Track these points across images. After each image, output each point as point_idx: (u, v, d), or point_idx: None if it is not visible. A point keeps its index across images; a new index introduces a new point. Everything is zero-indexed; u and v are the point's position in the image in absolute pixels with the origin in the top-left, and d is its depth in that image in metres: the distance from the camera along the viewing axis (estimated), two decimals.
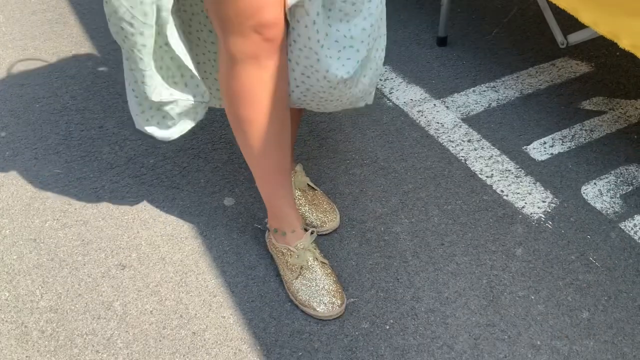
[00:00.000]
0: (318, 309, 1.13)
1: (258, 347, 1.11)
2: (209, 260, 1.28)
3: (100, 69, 1.85)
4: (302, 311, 1.16)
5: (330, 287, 1.15)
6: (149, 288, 1.22)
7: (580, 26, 1.82)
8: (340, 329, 1.14)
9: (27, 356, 1.10)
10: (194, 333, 1.14)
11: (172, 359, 1.10)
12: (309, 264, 1.17)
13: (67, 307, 1.19)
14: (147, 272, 1.26)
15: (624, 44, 1.19)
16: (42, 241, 1.33)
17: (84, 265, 1.27)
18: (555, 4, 1.36)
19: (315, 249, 1.19)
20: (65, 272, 1.26)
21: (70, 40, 1.99)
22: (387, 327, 1.14)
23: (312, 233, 1.20)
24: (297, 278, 1.17)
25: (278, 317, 1.16)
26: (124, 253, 1.30)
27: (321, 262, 1.18)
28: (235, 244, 1.31)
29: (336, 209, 1.34)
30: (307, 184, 1.34)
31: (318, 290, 1.15)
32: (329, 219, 1.31)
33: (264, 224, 1.35)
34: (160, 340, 1.13)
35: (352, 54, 1.01)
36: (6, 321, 1.17)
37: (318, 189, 1.36)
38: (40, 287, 1.23)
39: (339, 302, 1.14)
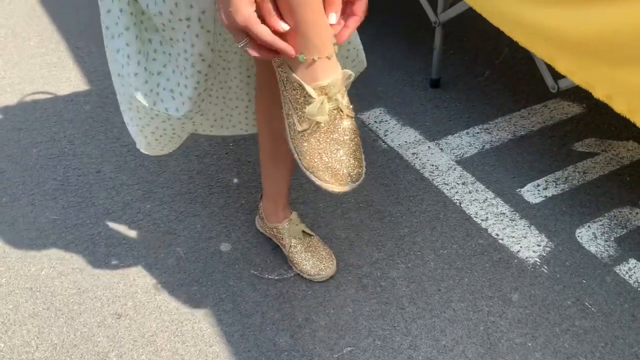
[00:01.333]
0: (326, 182, 0.91)
1: None
2: (205, 309, 1.27)
3: (98, 112, 1.87)
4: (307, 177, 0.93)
5: (349, 160, 0.91)
6: (144, 338, 1.22)
7: None
8: None
9: None
10: None
11: None
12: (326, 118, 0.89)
13: (62, 359, 1.18)
14: (143, 321, 1.25)
15: (599, 94, 1.21)
16: (39, 290, 1.32)
17: (80, 314, 1.27)
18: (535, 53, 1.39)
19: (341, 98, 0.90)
20: (61, 322, 1.26)
21: (68, 84, 2.01)
22: None
23: None
24: (307, 132, 0.91)
25: None
26: (120, 302, 1.29)
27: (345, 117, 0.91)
28: (232, 291, 1.31)
29: (332, 255, 1.35)
30: (303, 231, 1.34)
31: (332, 154, 0.91)
32: (325, 266, 1.32)
33: (259, 270, 1.35)
34: None
35: None
36: None
37: (314, 234, 1.37)
38: (35, 338, 1.22)
39: (351, 179, 0.92)
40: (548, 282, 1.31)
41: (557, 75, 1.43)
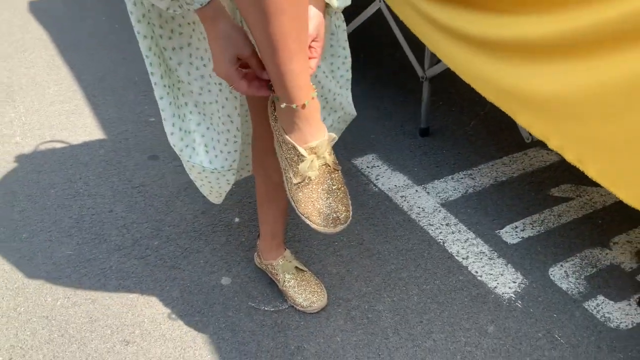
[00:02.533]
0: (318, 225, 1.04)
1: None
2: (206, 337, 1.39)
3: (111, 156, 2.03)
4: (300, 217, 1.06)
5: (338, 206, 1.05)
6: None
7: None
8: None
9: None
10: None
11: None
12: (315, 174, 1.04)
13: None
14: (149, 347, 1.37)
15: (552, 144, 1.35)
16: (54, 318, 1.44)
17: (91, 340, 1.39)
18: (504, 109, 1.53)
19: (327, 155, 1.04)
20: (74, 348, 1.37)
21: (84, 130, 2.18)
22: None
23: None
24: (301, 185, 1.04)
25: None
26: (128, 330, 1.41)
27: (333, 168, 1.06)
28: (231, 321, 1.43)
29: (324, 289, 1.47)
30: (296, 267, 1.47)
31: (323, 201, 1.04)
32: (316, 299, 1.44)
33: (257, 302, 1.47)
34: None
35: None
36: None
37: (307, 270, 1.49)
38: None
39: (340, 222, 1.05)
40: (521, 315, 1.43)
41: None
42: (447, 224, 1.71)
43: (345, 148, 2.03)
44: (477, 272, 1.55)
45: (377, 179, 1.89)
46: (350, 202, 1.07)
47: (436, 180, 1.88)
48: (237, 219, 1.74)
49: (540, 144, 2.02)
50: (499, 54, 1.47)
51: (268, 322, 1.42)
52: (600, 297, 1.47)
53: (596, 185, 1.83)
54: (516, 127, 2.06)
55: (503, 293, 1.49)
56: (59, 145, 2.10)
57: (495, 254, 1.60)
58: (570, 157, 1.31)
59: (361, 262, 1.59)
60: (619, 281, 1.52)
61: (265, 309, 1.46)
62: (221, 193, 1.29)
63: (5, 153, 2.05)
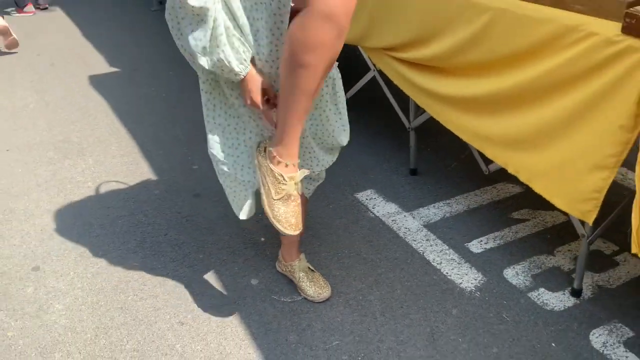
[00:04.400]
0: (285, 228, 1.53)
1: None
2: (240, 319, 1.86)
3: (164, 195, 2.56)
4: (271, 223, 1.54)
5: (298, 218, 1.54)
6: (199, 336, 1.80)
7: None
8: None
9: None
10: None
11: None
12: (293, 194, 1.53)
13: (144, 349, 1.77)
14: (198, 326, 1.84)
15: (510, 170, 1.84)
16: (127, 309, 1.93)
17: (155, 322, 1.87)
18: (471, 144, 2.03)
19: (299, 183, 1.55)
20: (143, 327, 1.85)
21: (141, 177, 2.72)
22: (360, 358, 1.69)
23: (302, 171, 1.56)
24: (280, 200, 1.52)
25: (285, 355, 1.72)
26: (182, 315, 1.89)
27: (298, 195, 1.55)
28: (258, 308, 1.90)
29: (328, 285, 1.94)
30: (308, 267, 1.95)
31: (292, 214, 1.53)
32: (323, 291, 1.91)
33: (278, 295, 1.94)
34: None
35: None
36: (103, 357, 1.75)
37: (316, 271, 1.97)
38: (126, 337, 1.82)
39: (299, 228, 1.54)
40: (479, 302, 1.87)
41: (488, 163, 2.07)
42: (427, 240, 2.17)
43: (350, 185, 2.53)
44: (447, 273, 2.00)
45: (373, 207, 2.38)
46: (301, 218, 1.58)
47: (420, 208, 2.36)
48: (263, 239, 2.23)
49: (507, 179, 2.50)
50: (462, 106, 1.99)
51: (286, 309, 1.89)
52: (542, 289, 1.91)
53: (549, 209, 2.29)
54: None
55: (466, 287, 1.94)
56: (122, 187, 2.64)
57: (463, 260, 2.06)
58: (523, 178, 1.81)
59: (358, 267, 2.05)
60: (558, 278, 1.96)
61: (284, 300, 1.93)
62: (241, 206, 1.78)
63: (80, 195, 2.60)
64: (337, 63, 1.67)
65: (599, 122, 1.57)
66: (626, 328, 1.76)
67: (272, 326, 1.83)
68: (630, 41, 1.44)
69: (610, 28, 1.49)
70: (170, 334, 1.82)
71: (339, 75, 1.74)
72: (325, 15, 1.30)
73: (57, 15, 5.51)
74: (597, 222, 1.71)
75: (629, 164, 1.82)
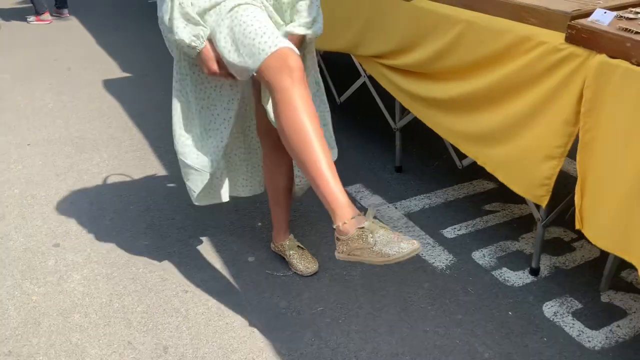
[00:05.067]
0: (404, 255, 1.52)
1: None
2: (238, 290, 2.11)
3: (171, 185, 2.82)
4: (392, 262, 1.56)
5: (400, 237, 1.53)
6: (201, 302, 2.05)
7: None
8: (319, 340, 1.94)
9: (131, 334, 1.93)
10: (227, 324, 1.95)
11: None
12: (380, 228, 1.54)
13: (153, 312, 2.02)
14: (200, 294, 2.09)
15: (480, 162, 2.10)
16: (138, 279, 2.18)
17: (163, 290, 2.12)
18: (449, 141, 2.29)
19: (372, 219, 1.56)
20: (152, 294, 2.10)
21: (152, 169, 2.99)
22: (340, 321, 1.94)
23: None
24: (375, 247, 1.51)
25: (271, 326, 1.97)
26: (186, 284, 2.14)
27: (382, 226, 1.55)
28: (254, 281, 2.15)
29: (316, 261, 2.19)
30: (298, 246, 2.20)
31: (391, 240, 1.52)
32: (311, 266, 2.16)
33: (271, 270, 2.19)
34: (210, 328, 1.94)
35: None
36: (116, 317, 2.00)
37: (305, 248, 2.22)
38: (137, 302, 2.07)
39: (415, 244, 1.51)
40: (448, 278, 2.12)
41: (461, 158, 2.33)
42: (406, 226, 2.43)
43: (341, 178, 2.79)
44: (422, 254, 2.25)
45: (361, 199, 2.64)
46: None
47: (403, 200, 2.62)
48: (259, 224, 2.49)
49: (483, 177, 2.75)
50: (440, 107, 2.25)
51: (278, 281, 2.14)
52: (504, 269, 2.16)
53: (518, 202, 2.54)
54: (468, 168, 2.81)
55: (438, 266, 2.18)
56: (133, 178, 2.91)
57: (437, 243, 2.31)
58: (489, 169, 2.07)
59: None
60: (520, 260, 2.21)
61: (277, 274, 2.18)
62: (195, 192, 1.92)
63: (95, 184, 2.86)
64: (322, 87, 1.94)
65: (548, 118, 1.83)
66: (575, 301, 2.01)
67: (265, 295, 2.08)
68: (572, 49, 1.70)
69: (557, 38, 1.75)
70: (175, 299, 2.07)
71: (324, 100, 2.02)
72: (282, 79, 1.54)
73: (73, 24, 5.82)
74: (552, 208, 1.97)
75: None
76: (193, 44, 1.67)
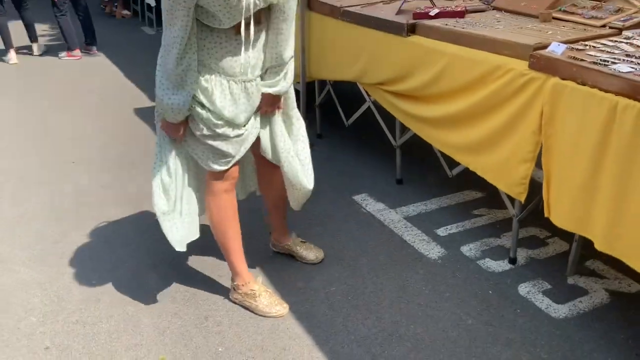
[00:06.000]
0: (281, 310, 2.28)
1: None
2: (265, 278, 2.52)
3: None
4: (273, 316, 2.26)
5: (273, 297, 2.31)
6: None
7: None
8: (327, 317, 2.34)
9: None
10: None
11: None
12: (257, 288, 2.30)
13: (195, 291, 2.42)
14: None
15: (472, 167, 2.52)
16: (188, 264, 2.59)
17: (202, 273, 2.52)
18: (443, 153, 2.72)
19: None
20: (202, 274, 2.51)
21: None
22: (349, 298, 2.34)
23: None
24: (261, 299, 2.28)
25: None
26: (223, 270, 2.55)
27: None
28: (276, 268, 2.55)
29: (321, 249, 2.59)
30: (301, 241, 2.61)
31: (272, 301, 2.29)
32: (319, 254, 2.57)
33: (291, 262, 2.60)
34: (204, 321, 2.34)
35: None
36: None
37: (307, 241, 2.63)
38: (180, 281, 2.48)
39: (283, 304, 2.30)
40: (439, 267, 2.52)
41: (452, 167, 2.76)
42: (405, 227, 2.84)
43: (348, 189, 3.22)
44: (418, 248, 2.66)
45: (366, 206, 3.06)
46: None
47: (402, 206, 3.04)
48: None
49: (472, 187, 3.17)
50: (434, 124, 2.69)
51: (296, 266, 2.55)
52: (487, 259, 2.57)
53: (502, 208, 2.96)
54: (460, 179, 3.23)
55: (431, 257, 2.59)
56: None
57: (431, 240, 2.72)
58: (479, 172, 2.50)
59: (352, 243, 2.72)
60: (501, 253, 2.61)
61: (294, 264, 2.59)
62: (178, 238, 2.25)
63: (137, 193, 3.29)
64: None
65: (520, 129, 2.26)
66: (545, 283, 2.40)
67: (285, 276, 2.48)
68: (533, 74, 2.15)
69: (522, 65, 2.20)
70: (213, 282, 2.48)
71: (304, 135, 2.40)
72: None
73: (101, 60, 6.35)
74: (524, 207, 2.39)
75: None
76: (182, 113, 2.03)
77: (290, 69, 2.18)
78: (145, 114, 4.55)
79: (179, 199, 2.26)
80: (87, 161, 3.74)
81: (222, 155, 2.14)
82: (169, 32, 1.92)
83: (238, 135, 2.12)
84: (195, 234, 2.33)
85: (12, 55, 6.27)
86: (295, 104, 2.34)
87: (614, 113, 1.86)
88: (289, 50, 2.12)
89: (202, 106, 2.04)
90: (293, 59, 2.18)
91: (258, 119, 2.20)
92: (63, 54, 6.48)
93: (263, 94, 2.15)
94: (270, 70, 2.13)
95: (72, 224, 2.97)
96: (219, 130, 2.07)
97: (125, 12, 8.63)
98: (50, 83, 5.48)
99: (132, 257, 2.67)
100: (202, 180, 2.34)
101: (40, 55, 6.55)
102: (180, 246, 2.24)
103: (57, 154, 3.85)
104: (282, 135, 2.27)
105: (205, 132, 2.08)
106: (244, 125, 2.13)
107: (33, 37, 6.57)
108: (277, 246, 2.67)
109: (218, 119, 2.05)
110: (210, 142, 2.10)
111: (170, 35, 1.92)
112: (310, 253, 2.58)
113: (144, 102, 4.88)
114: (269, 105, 2.19)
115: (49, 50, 6.65)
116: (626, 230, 1.90)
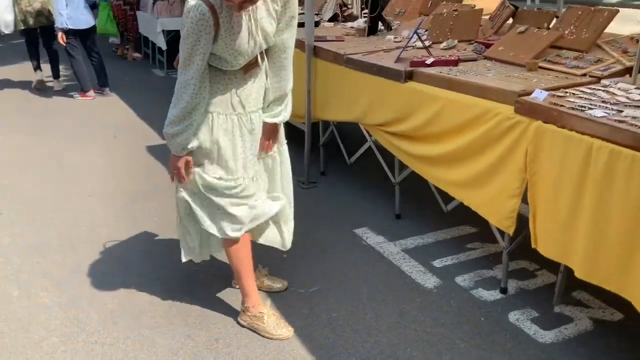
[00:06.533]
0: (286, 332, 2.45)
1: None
2: (274, 300, 2.69)
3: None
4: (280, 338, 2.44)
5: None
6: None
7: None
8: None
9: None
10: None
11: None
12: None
13: (206, 314, 2.59)
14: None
15: (465, 203, 2.72)
16: (202, 279, 2.77)
17: (216, 286, 2.69)
18: (440, 189, 2.92)
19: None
20: (201, 302, 2.68)
21: None
22: (350, 322, 2.50)
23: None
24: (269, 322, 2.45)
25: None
26: (225, 294, 2.72)
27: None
28: (284, 295, 2.72)
29: (285, 281, 2.78)
30: (265, 274, 2.78)
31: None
32: (283, 283, 2.75)
33: (297, 288, 2.77)
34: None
35: None
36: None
37: (269, 274, 2.81)
38: (190, 307, 2.64)
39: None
40: (435, 295, 2.69)
41: (447, 203, 2.96)
42: (403, 258, 3.02)
43: (350, 223, 3.41)
44: (415, 278, 2.84)
45: (367, 238, 3.24)
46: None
47: (401, 240, 3.22)
48: (285, 256, 3.08)
49: (466, 222, 3.36)
50: (430, 162, 2.91)
51: (302, 296, 2.71)
52: (480, 289, 2.74)
53: (494, 242, 3.14)
54: (453, 216, 3.41)
55: (427, 286, 2.77)
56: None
57: (428, 271, 2.90)
58: (473, 207, 2.70)
59: (353, 273, 2.89)
60: (493, 283, 2.78)
61: (300, 291, 2.75)
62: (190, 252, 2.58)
63: (149, 224, 3.47)
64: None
65: (508, 168, 2.47)
66: (534, 311, 2.57)
67: (290, 303, 2.65)
68: (519, 117, 2.37)
69: (509, 109, 2.42)
70: (220, 306, 2.65)
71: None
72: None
73: (114, 100, 6.63)
74: (514, 239, 2.59)
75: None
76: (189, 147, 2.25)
77: (290, 100, 2.44)
78: (156, 151, 4.78)
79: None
80: (101, 194, 3.94)
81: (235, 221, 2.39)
82: (186, 73, 2.15)
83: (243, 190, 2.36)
84: (205, 256, 2.62)
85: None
86: (284, 139, 2.56)
87: (590, 153, 2.07)
88: (290, 82, 2.39)
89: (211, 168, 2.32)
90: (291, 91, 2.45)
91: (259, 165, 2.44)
92: (77, 94, 6.76)
93: (265, 124, 2.38)
94: (273, 102, 2.39)
95: (88, 252, 3.15)
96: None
97: (137, 54, 8.98)
98: (65, 121, 5.74)
99: (146, 283, 2.85)
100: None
101: (58, 90, 6.88)
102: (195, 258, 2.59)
103: (74, 187, 4.06)
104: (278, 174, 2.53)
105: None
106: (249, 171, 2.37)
107: (56, 74, 6.95)
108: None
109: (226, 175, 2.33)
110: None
111: (187, 76, 2.15)
112: (276, 283, 2.76)
113: (155, 139, 5.11)
114: (271, 133, 2.41)
115: (66, 89, 6.94)
116: (602, 259, 2.09)
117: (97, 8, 10.85)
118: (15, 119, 5.85)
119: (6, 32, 6.93)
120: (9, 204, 3.81)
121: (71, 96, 6.71)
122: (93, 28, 6.74)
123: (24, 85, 7.27)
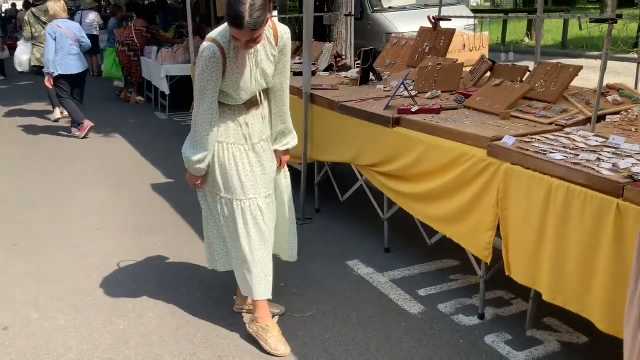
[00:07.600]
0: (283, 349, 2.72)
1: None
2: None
3: None
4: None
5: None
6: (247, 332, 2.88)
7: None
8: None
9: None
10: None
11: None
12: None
13: (209, 334, 2.84)
14: (241, 327, 2.92)
15: (448, 235, 3.01)
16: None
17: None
18: (424, 224, 3.22)
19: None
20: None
21: (195, 247, 3.88)
22: (342, 343, 2.76)
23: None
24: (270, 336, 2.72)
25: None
26: (224, 318, 2.97)
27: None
28: (283, 319, 2.98)
29: (283, 307, 3.03)
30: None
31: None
32: (281, 309, 3.00)
33: (293, 313, 3.03)
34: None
35: None
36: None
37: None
38: (196, 329, 2.89)
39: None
40: (420, 320, 2.96)
41: (431, 237, 3.25)
42: (391, 288, 3.29)
43: (342, 256, 3.69)
44: (402, 305, 3.11)
45: (358, 270, 3.52)
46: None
47: (390, 271, 3.50)
48: (282, 284, 3.35)
49: (450, 256, 3.65)
50: (415, 199, 3.21)
51: (299, 320, 2.97)
52: (460, 315, 3.01)
53: (475, 274, 3.42)
54: (440, 249, 3.69)
55: (412, 312, 3.03)
56: (184, 253, 3.79)
57: (413, 299, 3.17)
58: (454, 239, 2.98)
59: (345, 301, 3.16)
60: (472, 310, 3.05)
61: (296, 315, 3.01)
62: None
63: (156, 257, 3.74)
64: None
65: (483, 204, 2.78)
66: (508, 335, 2.83)
67: (287, 326, 2.91)
68: (491, 160, 2.69)
69: (483, 152, 2.75)
70: (222, 328, 2.90)
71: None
72: None
73: (119, 140, 6.96)
74: (490, 269, 2.87)
75: None
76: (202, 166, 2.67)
77: (293, 129, 2.89)
78: (160, 188, 5.07)
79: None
80: (110, 228, 4.22)
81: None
82: (201, 107, 2.58)
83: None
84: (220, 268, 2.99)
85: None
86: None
87: (550, 191, 2.39)
88: (290, 117, 2.86)
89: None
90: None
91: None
92: (75, 130, 7.09)
93: (277, 152, 2.83)
94: (280, 135, 2.84)
95: (100, 279, 3.41)
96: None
97: (139, 98, 9.37)
98: (74, 161, 6.05)
99: (154, 307, 3.10)
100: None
101: (65, 132, 7.24)
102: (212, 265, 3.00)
103: (84, 222, 4.34)
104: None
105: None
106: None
107: (55, 103, 7.57)
108: (242, 309, 3.05)
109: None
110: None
111: (202, 110, 2.59)
112: (275, 308, 3.00)
113: (159, 178, 5.41)
114: (282, 155, 2.88)
115: (66, 130, 7.28)
116: (564, 283, 2.38)
117: (100, 53, 11.35)
118: (26, 160, 6.16)
119: (20, 70, 7.60)
120: (24, 237, 4.08)
121: (76, 137, 7.04)
122: (84, 73, 7.14)
123: (33, 128, 7.62)
